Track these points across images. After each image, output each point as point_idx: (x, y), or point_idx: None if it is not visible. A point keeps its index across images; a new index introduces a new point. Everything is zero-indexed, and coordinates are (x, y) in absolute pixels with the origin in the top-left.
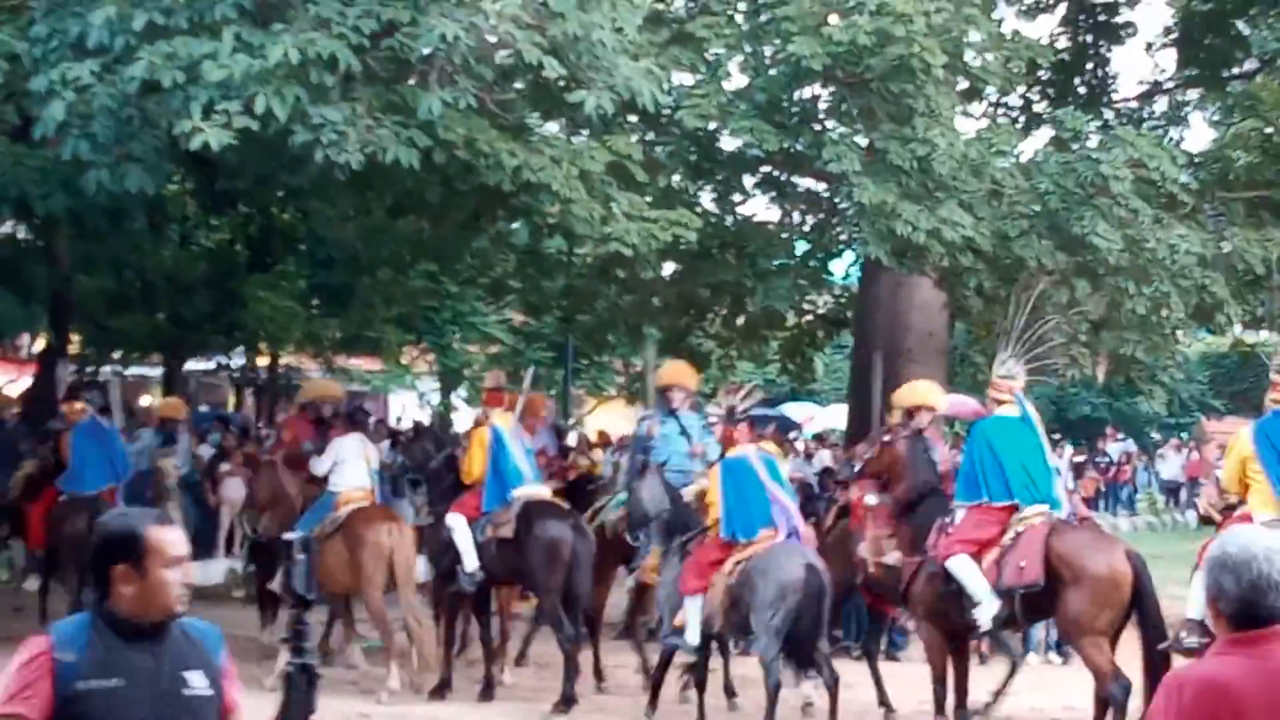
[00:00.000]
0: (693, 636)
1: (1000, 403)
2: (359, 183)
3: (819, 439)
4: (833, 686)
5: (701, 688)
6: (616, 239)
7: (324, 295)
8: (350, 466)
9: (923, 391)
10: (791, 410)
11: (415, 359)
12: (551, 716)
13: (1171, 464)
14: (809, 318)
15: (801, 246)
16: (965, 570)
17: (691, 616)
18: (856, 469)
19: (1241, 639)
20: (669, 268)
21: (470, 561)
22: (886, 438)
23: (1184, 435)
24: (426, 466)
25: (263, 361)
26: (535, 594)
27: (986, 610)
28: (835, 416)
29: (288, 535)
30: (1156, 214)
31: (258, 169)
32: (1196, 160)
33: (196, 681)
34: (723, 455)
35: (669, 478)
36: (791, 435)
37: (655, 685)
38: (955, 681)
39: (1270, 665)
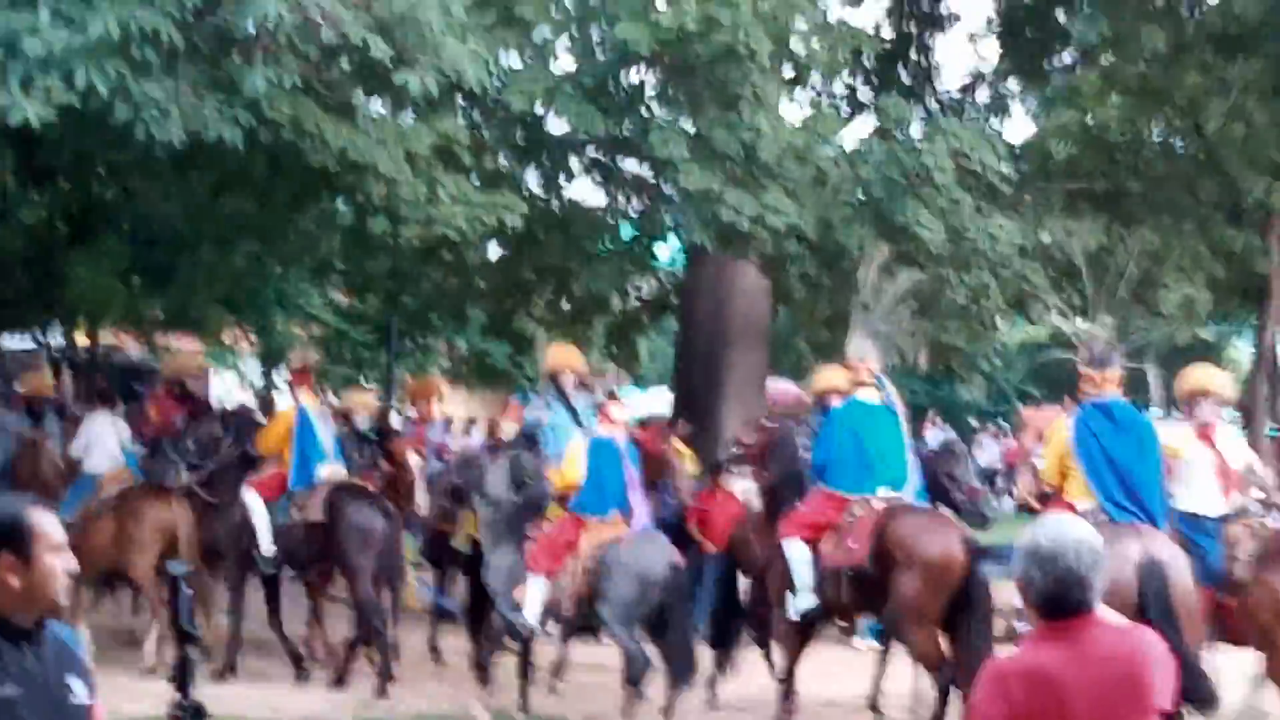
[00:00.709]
0: (532, 616)
1: (860, 384)
2: (182, 160)
3: (642, 424)
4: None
5: (526, 672)
6: (442, 221)
7: (146, 273)
8: (102, 447)
9: (833, 377)
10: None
11: (238, 339)
12: (374, 700)
13: (989, 451)
14: (634, 302)
15: (627, 231)
16: (796, 554)
17: (534, 595)
18: (734, 454)
19: (1056, 628)
20: (494, 250)
21: (266, 544)
22: (767, 423)
23: (1001, 423)
24: (211, 449)
25: (82, 340)
26: (345, 577)
27: (799, 601)
28: (657, 401)
29: (174, 567)
30: (977, 204)
31: (78, 144)
32: (1017, 151)
33: (78, 689)
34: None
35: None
36: None
37: (523, 669)
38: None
39: (1086, 651)
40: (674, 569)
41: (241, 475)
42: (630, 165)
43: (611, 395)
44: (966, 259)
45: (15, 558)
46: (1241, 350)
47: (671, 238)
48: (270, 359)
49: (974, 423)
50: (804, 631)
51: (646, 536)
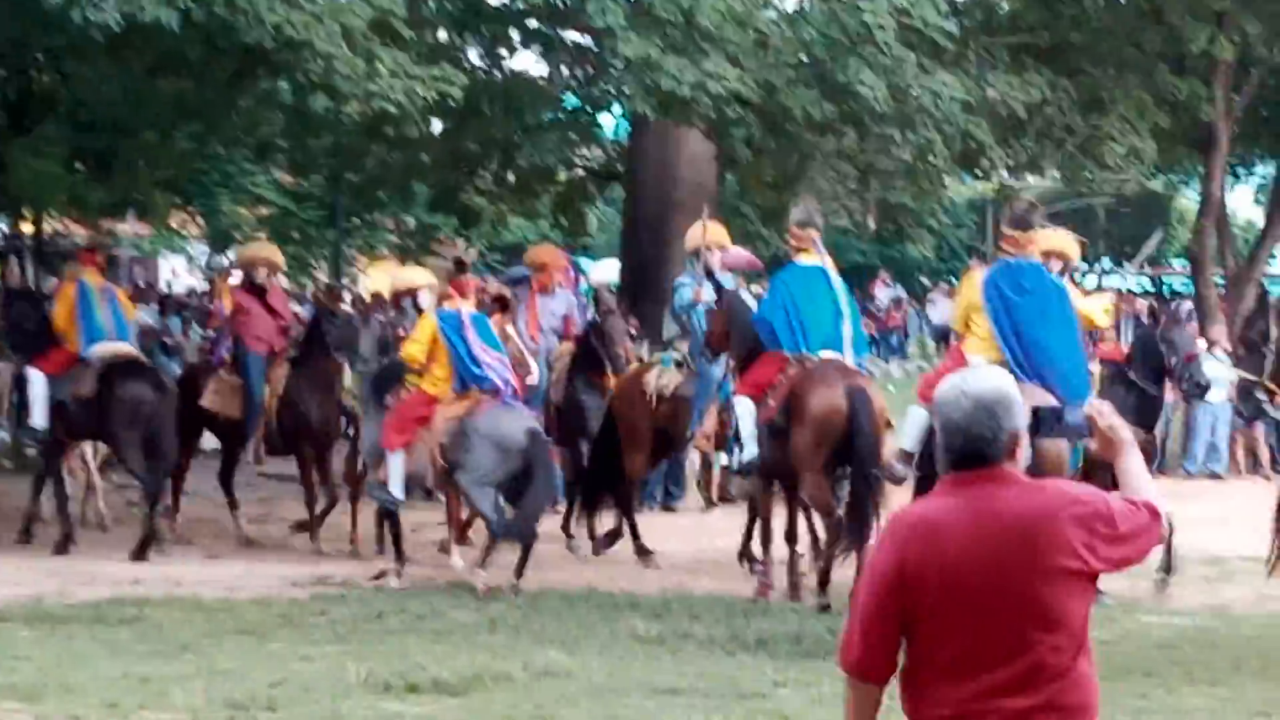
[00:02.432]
0: (397, 490)
1: (800, 250)
2: (118, 43)
3: (595, 295)
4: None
5: (398, 539)
6: (381, 96)
7: (88, 159)
8: None
9: (1059, 240)
10: None
11: (185, 222)
12: (133, 558)
13: (941, 309)
14: (580, 172)
15: (569, 101)
16: (742, 409)
17: (395, 471)
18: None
19: (956, 479)
20: (438, 125)
21: (38, 417)
22: (714, 305)
23: (953, 280)
24: (17, 328)
25: (28, 228)
26: (117, 451)
27: (742, 453)
28: (608, 270)
29: None
30: (920, 61)
31: (14, 30)
32: (959, 7)
33: None
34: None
35: None
36: None
37: (394, 539)
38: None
39: (974, 504)
40: (532, 435)
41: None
42: (571, 35)
43: (460, 266)
44: (910, 117)
45: None
46: (1190, 200)
47: (615, 107)
48: (218, 241)
49: (925, 281)
50: (767, 490)
51: (503, 406)
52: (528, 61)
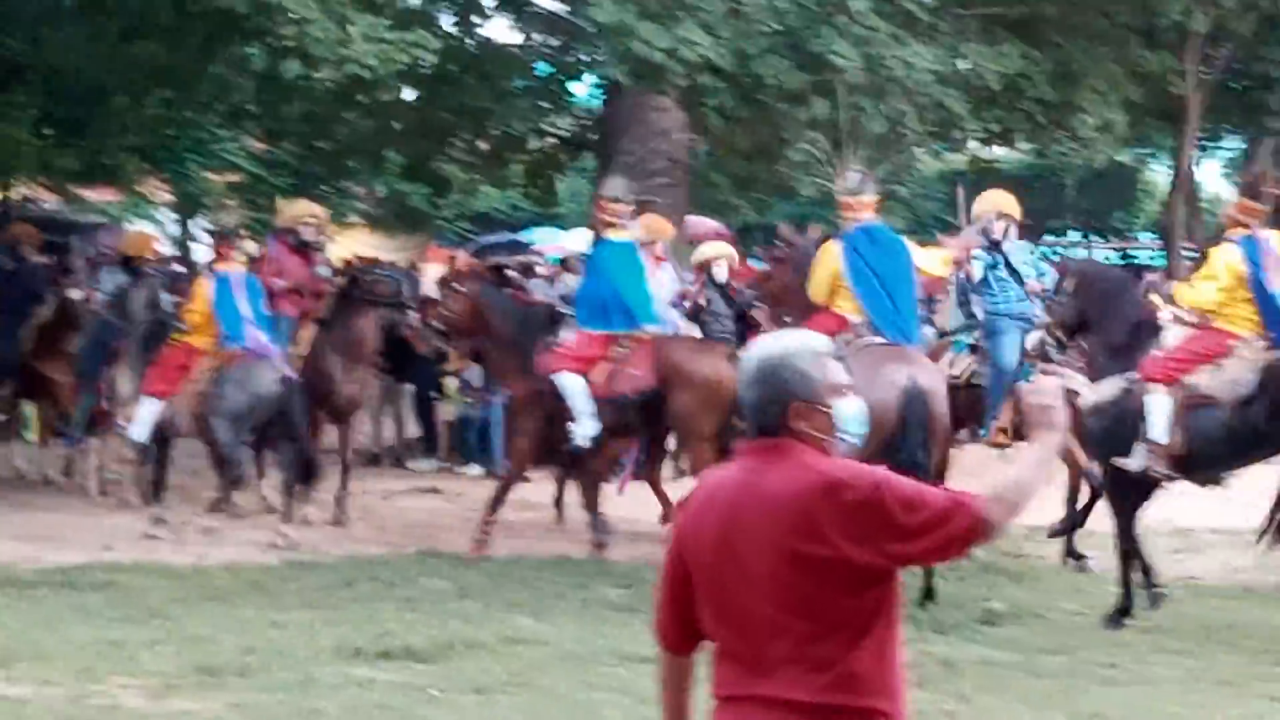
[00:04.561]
0: (141, 434)
1: (609, 226)
2: (89, 7)
3: (564, 264)
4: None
5: (159, 485)
6: (354, 61)
7: (58, 125)
8: None
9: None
10: (536, 236)
11: (154, 189)
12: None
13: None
14: (551, 141)
15: (542, 68)
16: (572, 385)
17: (145, 415)
18: (440, 329)
19: (744, 449)
20: (410, 93)
21: None
22: (460, 288)
23: None
24: None
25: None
26: None
27: (584, 428)
28: (578, 241)
29: None
30: (894, 32)
31: None
32: None
33: None
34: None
35: (1005, 325)
36: (531, 260)
37: (153, 483)
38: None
39: (741, 477)
40: (283, 383)
41: None
42: (543, 1)
43: (223, 236)
44: (883, 88)
45: None
46: (1159, 173)
47: (588, 75)
48: (187, 208)
49: None
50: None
51: (257, 358)
52: (500, 29)
